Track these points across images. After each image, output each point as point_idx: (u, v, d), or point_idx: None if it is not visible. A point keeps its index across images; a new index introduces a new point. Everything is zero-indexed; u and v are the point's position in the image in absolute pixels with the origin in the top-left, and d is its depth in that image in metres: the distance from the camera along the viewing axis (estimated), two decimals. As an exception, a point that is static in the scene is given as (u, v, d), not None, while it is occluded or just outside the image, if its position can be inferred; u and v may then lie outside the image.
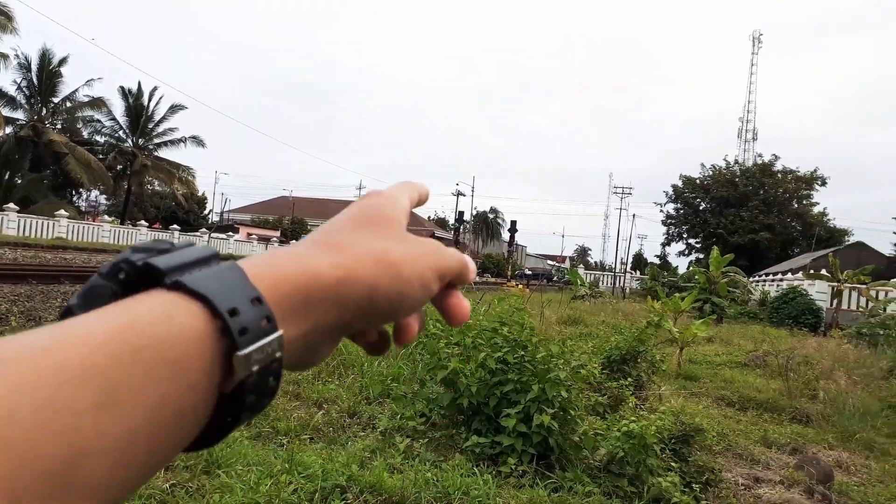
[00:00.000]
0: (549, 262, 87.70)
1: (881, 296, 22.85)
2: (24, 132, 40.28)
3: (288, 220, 77.95)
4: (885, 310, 20.80)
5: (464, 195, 68.97)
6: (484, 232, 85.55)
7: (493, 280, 44.33)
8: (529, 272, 64.61)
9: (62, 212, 33.27)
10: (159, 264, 0.33)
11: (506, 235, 79.47)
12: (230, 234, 50.71)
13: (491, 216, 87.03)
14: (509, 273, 50.63)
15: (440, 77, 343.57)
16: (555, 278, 54.10)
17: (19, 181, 41.61)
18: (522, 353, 4.60)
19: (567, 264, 78.04)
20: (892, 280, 23.37)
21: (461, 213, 71.73)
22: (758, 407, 8.15)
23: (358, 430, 4.78)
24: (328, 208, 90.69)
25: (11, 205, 30.71)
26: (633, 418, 4.38)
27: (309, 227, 78.93)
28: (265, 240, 55.61)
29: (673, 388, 8.14)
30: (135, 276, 0.33)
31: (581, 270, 46.38)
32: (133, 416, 0.28)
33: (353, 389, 5.83)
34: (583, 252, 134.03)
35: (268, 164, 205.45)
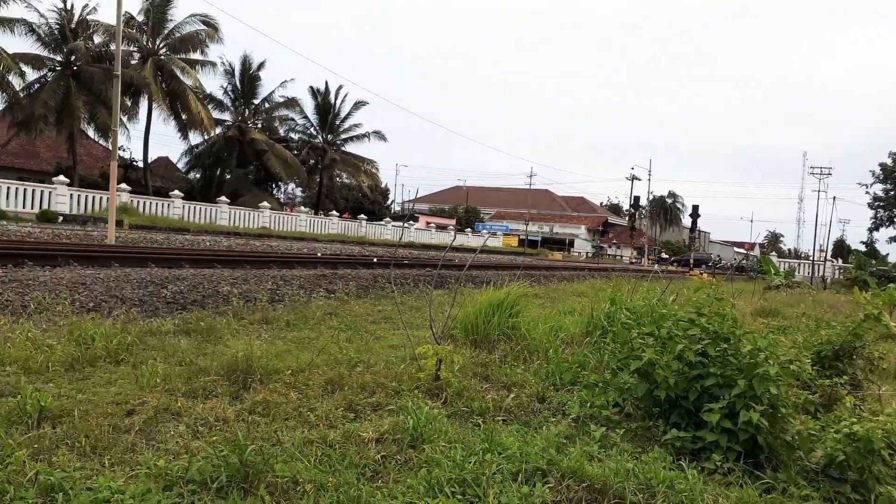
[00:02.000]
0: (736, 249, 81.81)
1: None
2: (231, 132, 45.05)
3: (462, 208, 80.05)
4: None
5: (639, 179, 66.51)
6: (662, 218, 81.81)
7: (673, 268, 42.26)
8: (672, 258, 60.50)
9: (265, 203, 36.82)
10: None
11: (686, 221, 75.36)
12: (410, 222, 53.17)
13: (669, 201, 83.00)
14: (692, 261, 48.03)
15: (606, 57, 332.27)
16: (740, 267, 50.33)
17: (228, 176, 46.59)
18: (725, 345, 4.36)
19: (756, 252, 72.31)
20: None
21: (636, 199, 69.08)
22: None
23: (549, 416, 4.81)
24: (499, 197, 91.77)
25: (223, 198, 34.53)
26: (854, 420, 3.99)
27: (482, 216, 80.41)
28: (442, 228, 57.63)
29: (894, 389, 7.28)
30: None
31: (773, 258, 42.84)
32: None
33: (539, 375, 5.88)
34: (774, 239, 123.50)
35: (443, 155, 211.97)
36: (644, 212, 77.52)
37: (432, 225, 58.96)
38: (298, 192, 69.69)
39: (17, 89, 34.60)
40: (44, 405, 3.73)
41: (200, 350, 5.95)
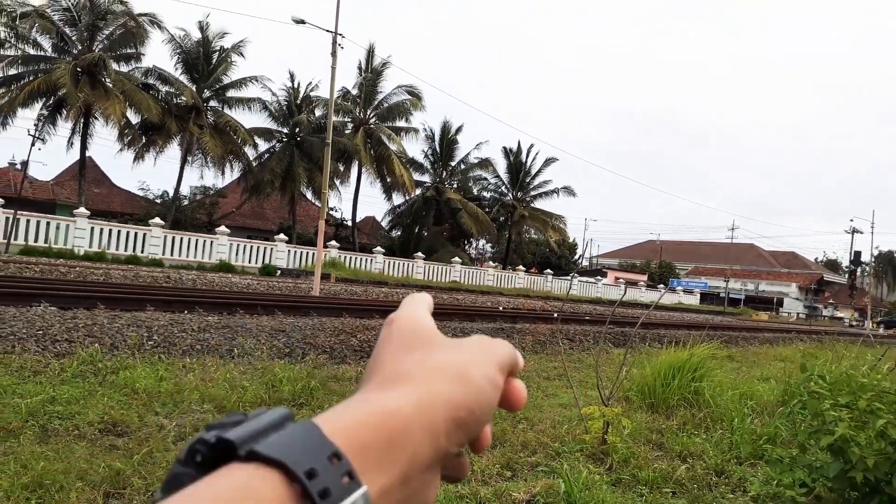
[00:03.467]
0: None
1: None
2: (429, 192, 47.78)
3: (655, 263, 76.76)
4: None
5: (860, 232, 59.20)
6: (889, 275, 71.96)
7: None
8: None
9: (456, 259, 38.32)
10: (232, 437, 0.32)
11: (924, 279, 65.57)
12: (598, 277, 52.08)
13: (901, 257, 72.96)
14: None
15: (816, 94, 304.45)
16: None
17: (425, 233, 49.26)
18: (938, 424, 3.73)
19: None
20: None
21: (857, 254, 61.48)
22: None
23: (726, 492, 4.42)
24: (697, 251, 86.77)
25: (419, 254, 36.53)
26: None
27: (677, 271, 76.45)
28: (632, 283, 55.62)
29: None
30: (211, 455, 0.32)
31: None
32: None
33: (721, 446, 5.43)
34: None
35: (634, 208, 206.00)
36: (867, 268, 68.74)
37: (621, 280, 57.14)
38: (488, 247, 71.51)
39: (251, 159, 39.94)
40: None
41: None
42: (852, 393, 4.39)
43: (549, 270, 47.48)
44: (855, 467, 3.87)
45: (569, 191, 52.31)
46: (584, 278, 49.47)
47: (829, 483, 4.22)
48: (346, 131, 42.37)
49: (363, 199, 79.68)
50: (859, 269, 64.46)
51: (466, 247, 57.45)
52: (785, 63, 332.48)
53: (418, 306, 0.49)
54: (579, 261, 78.36)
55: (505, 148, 52.99)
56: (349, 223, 47.27)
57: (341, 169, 42.08)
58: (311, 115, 41.99)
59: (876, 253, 70.89)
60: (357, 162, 41.69)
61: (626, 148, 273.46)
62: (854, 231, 59.87)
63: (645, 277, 66.68)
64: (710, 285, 70.65)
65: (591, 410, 5.19)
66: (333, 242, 32.75)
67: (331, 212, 47.66)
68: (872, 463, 3.77)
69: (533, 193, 53.21)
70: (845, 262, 71.17)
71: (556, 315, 17.72)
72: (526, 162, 52.42)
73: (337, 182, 42.56)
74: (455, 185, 51.02)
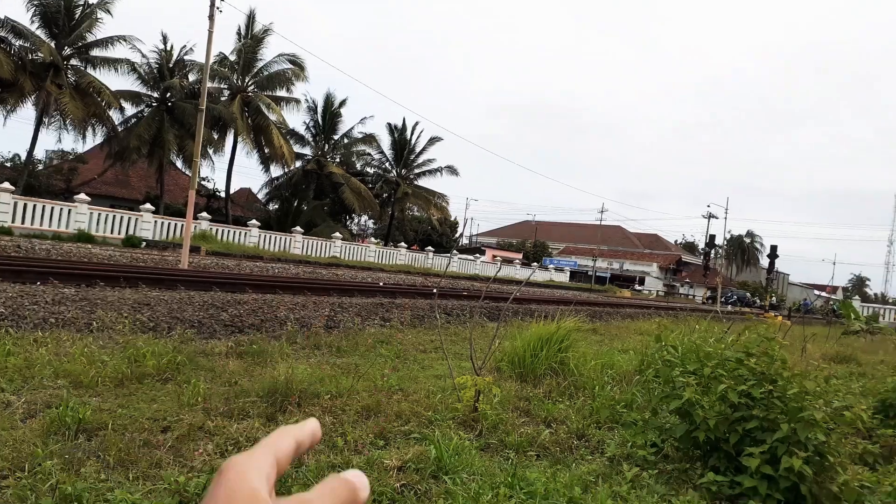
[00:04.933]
0: (816, 291, 77.84)
1: None
2: (310, 165, 46.62)
3: (530, 242, 79.58)
4: None
5: (716, 217, 64.28)
6: (738, 258, 78.86)
7: (747, 309, 40.57)
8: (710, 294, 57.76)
9: (337, 234, 37.77)
10: None
11: (764, 262, 72.36)
12: (477, 255, 53.24)
13: (747, 240, 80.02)
14: (767, 303, 46.02)
15: (686, 94, 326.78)
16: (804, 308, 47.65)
17: (305, 208, 48.10)
18: (770, 387, 4.15)
19: (839, 295, 68.61)
20: None
21: (712, 237, 66.89)
22: None
23: (585, 453, 4.69)
24: (569, 232, 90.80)
25: (298, 228, 35.61)
26: (911, 474, 3.71)
27: (550, 250, 79.66)
28: (508, 261, 57.41)
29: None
30: None
31: (856, 302, 40.48)
32: None
33: (583, 412, 5.75)
34: (859, 282, 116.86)
35: (513, 190, 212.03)
36: (720, 251, 74.94)
37: (499, 258, 58.82)
38: (371, 223, 71.16)
39: (116, 123, 37.06)
40: (82, 418, 3.91)
41: (248, 372, 6.11)
42: (699, 361, 4.78)
43: (430, 247, 47.96)
44: (699, 428, 4.24)
45: (452, 170, 52.91)
46: (464, 256, 50.49)
47: (676, 443, 4.59)
48: (223, 98, 40.37)
49: (238, 169, 76.61)
50: (713, 252, 70.10)
51: (348, 222, 56.77)
52: (664, 64, 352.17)
53: (262, 455, 0.43)
54: (459, 239, 79.75)
55: (390, 124, 52.64)
56: (222, 194, 45.25)
57: (215, 137, 40.07)
58: (184, 79, 39.55)
59: (728, 237, 77.32)
60: (233, 131, 39.87)
61: (508, 133, 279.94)
62: (710, 216, 64.88)
63: (520, 256, 69.03)
64: (579, 264, 74.30)
65: (464, 380, 5.33)
66: (205, 214, 31.19)
67: (203, 182, 45.34)
68: (714, 423, 4.13)
69: (417, 171, 53.34)
70: (701, 245, 77.08)
71: (434, 290, 17.97)
72: (411, 139, 52.37)
73: (210, 151, 40.50)
74: (338, 160, 50.12)
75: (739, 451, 4.04)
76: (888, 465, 4.56)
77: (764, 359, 4.45)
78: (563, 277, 60.61)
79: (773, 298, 60.05)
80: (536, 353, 7.15)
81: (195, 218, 25.25)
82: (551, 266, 64.14)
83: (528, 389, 6.44)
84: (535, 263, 62.98)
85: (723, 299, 50.79)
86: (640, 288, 71.44)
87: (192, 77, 40.16)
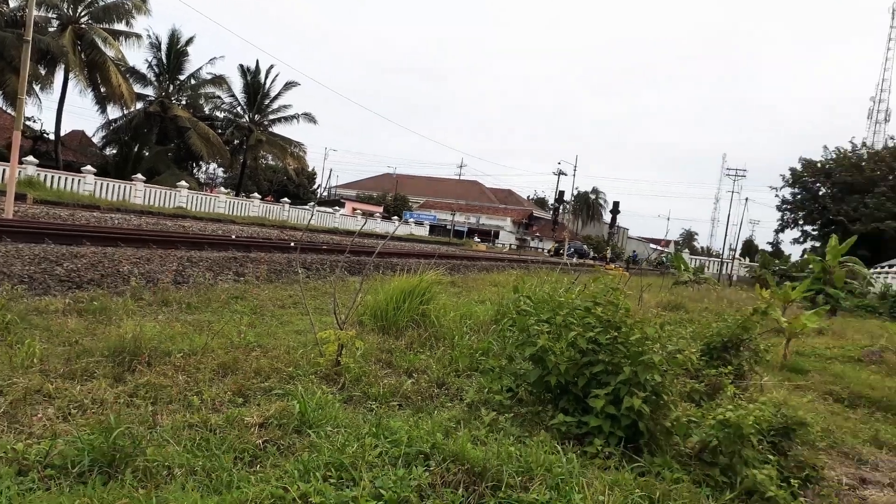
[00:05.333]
0: (652, 245, 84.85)
1: None
2: (152, 107, 43.11)
3: (391, 196, 79.64)
4: None
5: (565, 174, 67.63)
6: (584, 213, 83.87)
7: (590, 262, 43.45)
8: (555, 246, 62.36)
9: (183, 183, 35.44)
10: None
11: (607, 217, 77.54)
12: (336, 208, 52.49)
13: (592, 197, 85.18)
14: (608, 255, 49.46)
15: (545, 56, 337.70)
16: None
17: (147, 154, 44.63)
18: (615, 334, 4.49)
19: (671, 248, 75.26)
20: None
21: (561, 193, 70.62)
22: (870, 405, 7.59)
23: (445, 401, 4.84)
24: (429, 186, 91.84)
25: (139, 175, 33.02)
26: (730, 407, 4.19)
27: (410, 204, 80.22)
28: (369, 215, 57.15)
29: (777, 380, 7.71)
30: None
31: (686, 255, 44.59)
32: None
33: (442, 361, 5.91)
34: (689, 236, 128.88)
35: (375, 142, 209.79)
36: (568, 206, 79.25)
37: (359, 211, 58.41)
38: (220, 172, 67.64)
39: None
40: None
41: (90, 330, 5.66)
42: (552, 310, 5.04)
43: (286, 199, 46.46)
44: (551, 373, 4.50)
45: (309, 118, 51.18)
46: (323, 208, 49.50)
47: (530, 387, 4.86)
48: (51, 29, 36.04)
49: (71, 110, 69.33)
50: (561, 207, 73.96)
51: (195, 170, 53.53)
52: (525, 19, 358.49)
53: None
54: (318, 190, 78.03)
55: (242, 66, 49.72)
56: (51, 137, 40.90)
57: (42, 73, 35.82)
58: (4, 5, 34.78)
59: (575, 193, 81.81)
60: (63, 66, 35.82)
61: (370, 83, 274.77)
62: (560, 173, 68.14)
63: (381, 209, 68.94)
64: (438, 218, 75.62)
65: (327, 335, 5.27)
66: (31, 158, 27.99)
67: (28, 122, 40.52)
68: (564, 368, 4.41)
69: (272, 117, 51.07)
70: (551, 201, 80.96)
71: (292, 244, 17.53)
72: (265, 83, 49.88)
73: (37, 88, 36.21)
74: (184, 102, 46.79)
75: (587, 393, 4.35)
76: (711, 401, 5.11)
77: (610, 308, 4.79)
78: (423, 231, 61.44)
79: (609, 251, 64.67)
80: (399, 306, 7.22)
81: (20, 162, 22.63)
82: (411, 220, 64.72)
83: (390, 342, 6.51)
84: (396, 217, 63.22)
85: (562, 251, 54.00)
86: (496, 242, 74.06)
87: (13, 3, 35.45)
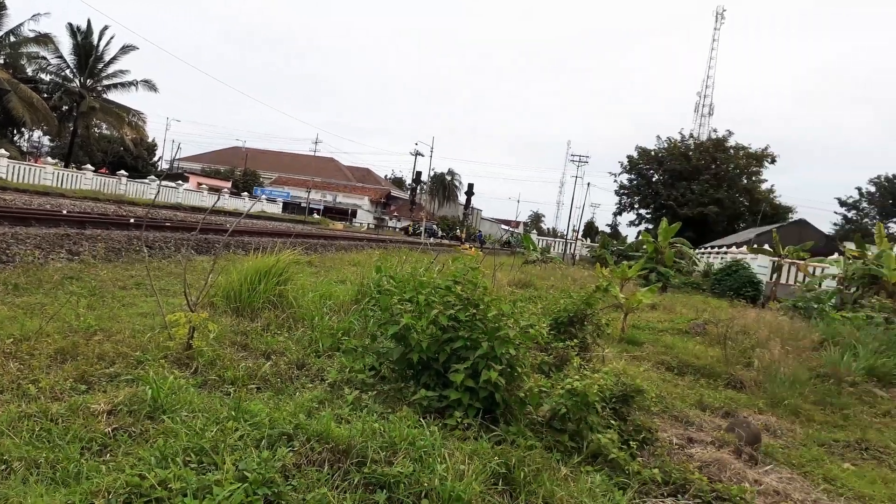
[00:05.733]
0: (504, 226, 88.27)
1: (817, 272, 23.83)
2: (-39, 65, 38.13)
3: (240, 171, 76.24)
4: (819, 285, 21.74)
5: (422, 155, 68.52)
6: (441, 193, 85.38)
7: (447, 242, 44.47)
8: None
9: (3, 151, 31.76)
10: None
11: (462, 198, 79.55)
12: (179, 182, 49.41)
13: (448, 178, 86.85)
14: (464, 235, 50.82)
15: (406, 38, 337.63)
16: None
17: (-45, 117, 39.51)
18: (474, 311, 4.66)
19: (521, 229, 78.70)
20: (829, 257, 24.35)
21: (419, 174, 71.46)
22: (695, 372, 8.48)
23: (306, 382, 4.80)
24: (282, 161, 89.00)
25: (-54, 141, 29.15)
26: (576, 377, 4.51)
27: (261, 180, 77.38)
28: (216, 190, 54.39)
29: (616, 351, 8.39)
30: None
31: (534, 236, 46.85)
32: None
33: (302, 342, 5.84)
34: (537, 218, 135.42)
35: (223, 113, 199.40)
36: (425, 187, 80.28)
37: (205, 186, 55.43)
38: (47, 141, 61.36)
39: None
40: None
41: None
42: (415, 289, 5.13)
43: (123, 172, 43.03)
44: (413, 350, 4.59)
45: (149, 85, 47.59)
46: (165, 182, 46.39)
47: (393, 365, 4.93)
48: None
49: None
50: (419, 187, 74.79)
51: (16, 138, 48.18)
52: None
53: None
54: (159, 163, 73.00)
55: (71, 25, 45.12)
56: None
57: None
58: None
59: (432, 174, 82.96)
60: None
61: (220, 52, 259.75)
62: (417, 154, 68.80)
63: (229, 184, 65.84)
64: (292, 195, 73.62)
65: (177, 317, 5.02)
66: None
67: None
68: (426, 345, 4.52)
69: (106, 83, 46.98)
70: (409, 180, 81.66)
71: (132, 220, 16.35)
72: (98, 45, 45.68)
73: None
74: (2, 62, 41.80)
75: (447, 368, 4.49)
76: (559, 372, 5.47)
77: (469, 286, 4.97)
78: (276, 209, 59.60)
79: (458, 231, 66.50)
80: (254, 287, 7.00)
81: None
82: (263, 196, 62.53)
83: (245, 324, 6.31)
84: (246, 193, 60.74)
85: (412, 230, 54.89)
86: (353, 221, 73.47)
87: None
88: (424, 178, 77.22)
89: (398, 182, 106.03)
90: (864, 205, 71.80)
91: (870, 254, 20.63)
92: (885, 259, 19.50)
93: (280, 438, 3.36)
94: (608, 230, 75.07)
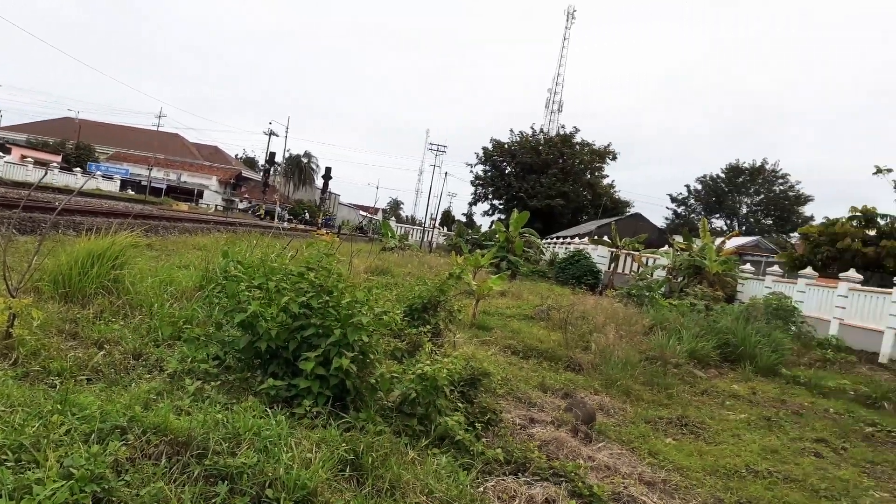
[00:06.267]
0: (362, 212, 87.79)
1: (650, 262, 26.02)
2: None
3: (72, 144, 69.65)
4: (651, 274, 23.76)
5: (276, 135, 66.32)
6: (296, 176, 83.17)
7: (302, 227, 43.50)
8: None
9: None
10: None
11: (319, 182, 78.02)
12: (0, 154, 44.29)
13: (305, 160, 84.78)
14: (320, 220, 50.00)
15: (262, 9, 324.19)
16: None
17: None
18: (327, 298, 4.61)
19: (380, 216, 78.72)
20: (660, 249, 26.65)
21: (272, 155, 69.06)
22: (539, 356, 8.97)
23: (143, 373, 4.52)
24: (120, 136, 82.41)
25: None
26: (427, 362, 4.61)
27: (97, 154, 71.29)
28: (43, 164, 49.32)
29: (467, 336, 8.67)
30: None
31: (393, 223, 47.09)
32: None
33: (140, 331, 5.48)
34: (396, 205, 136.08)
35: (52, 80, 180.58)
36: (279, 168, 77.84)
37: (30, 159, 50.08)
38: None
39: None
40: None
41: None
42: (265, 276, 4.99)
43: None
44: (261, 338, 4.47)
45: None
46: (-20, 153, 41.34)
47: (239, 354, 4.77)
48: None
49: None
50: (273, 169, 72.32)
51: None
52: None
53: None
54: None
55: None
56: None
57: None
58: None
59: (288, 155, 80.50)
60: None
61: (56, 12, 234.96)
62: (271, 133, 66.49)
63: (59, 158, 59.94)
64: (132, 172, 68.46)
65: (-6, 303, 4.53)
66: None
67: None
68: (275, 333, 4.41)
69: None
70: (262, 161, 78.63)
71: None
72: None
73: None
74: None
75: (297, 356, 4.42)
76: (412, 357, 5.56)
77: (322, 272, 4.90)
78: (113, 187, 55.19)
79: (307, 215, 65.23)
80: (86, 271, 6.45)
81: None
82: (98, 173, 57.64)
83: (75, 311, 5.81)
84: (79, 169, 55.63)
85: (255, 213, 53.35)
86: (199, 202, 69.66)
87: None
88: (279, 159, 74.92)
89: (250, 162, 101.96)
90: (692, 201, 79.19)
91: (695, 246, 22.86)
92: (707, 251, 21.71)
93: (113, 432, 3.14)
94: (464, 219, 77.11)
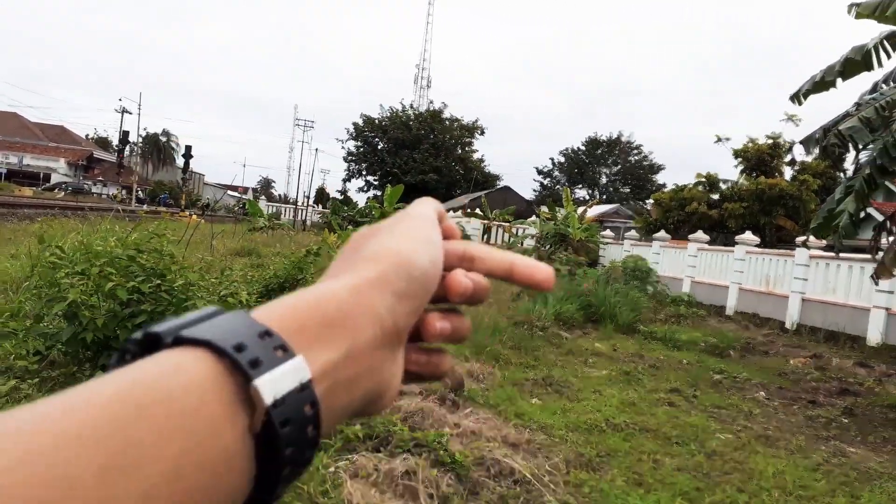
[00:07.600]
0: (231, 192, 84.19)
1: (520, 232, 26.84)
2: None
3: None
4: (521, 244, 24.52)
5: (130, 113, 61.82)
6: (155, 156, 78.15)
7: (164, 210, 41.02)
8: None
9: None
10: (159, 330, 0.31)
11: (180, 161, 73.78)
12: None
13: (163, 139, 79.78)
14: (184, 202, 47.45)
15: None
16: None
17: None
18: (159, 282, 4.26)
19: (249, 195, 75.82)
20: (529, 219, 27.55)
21: (126, 134, 64.26)
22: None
23: (-53, 377, 3.99)
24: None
25: None
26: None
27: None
28: None
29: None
30: (140, 352, 0.31)
31: (263, 202, 45.50)
32: (146, 477, 0.26)
33: (-49, 329, 4.85)
34: (267, 184, 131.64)
35: None
36: (136, 149, 72.77)
37: None
38: None
39: None
40: None
41: None
42: (88, 261, 4.54)
43: None
44: (86, 329, 4.06)
45: None
46: None
47: (64, 347, 4.33)
48: None
49: None
50: (128, 149, 67.38)
51: None
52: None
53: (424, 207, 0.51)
54: None
55: None
56: None
57: None
58: None
59: (144, 134, 75.29)
60: None
61: None
62: (124, 111, 61.93)
63: None
64: (-36, 156, 61.56)
65: None
66: None
67: None
68: (102, 322, 4.02)
69: None
70: (116, 141, 73.01)
71: None
72: None
73: None
74: None
75: (129, 346, 4.05)
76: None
77: (154, 255, 4.53)
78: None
79: (141, 193, 61.35)
80: None
81: None
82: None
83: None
84: None
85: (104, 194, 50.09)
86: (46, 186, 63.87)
87: None
88: (133, 138, 69.98)
89: (103, 143, 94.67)
90: (557, 173, 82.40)
91: (559, 216, 23.79)
92: (571, 220, 22.65)
93: None
94: (341, 196, 75.91)
